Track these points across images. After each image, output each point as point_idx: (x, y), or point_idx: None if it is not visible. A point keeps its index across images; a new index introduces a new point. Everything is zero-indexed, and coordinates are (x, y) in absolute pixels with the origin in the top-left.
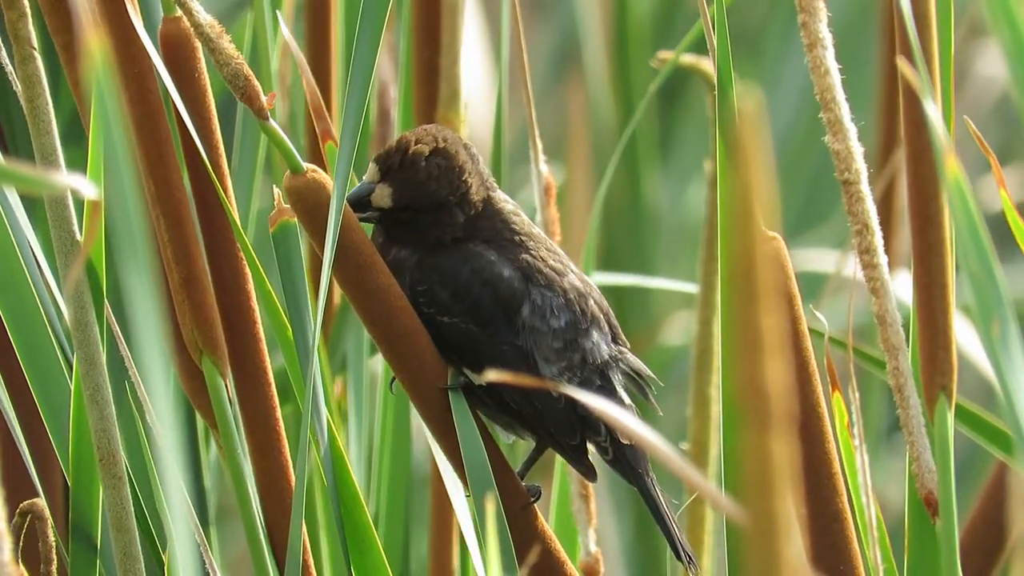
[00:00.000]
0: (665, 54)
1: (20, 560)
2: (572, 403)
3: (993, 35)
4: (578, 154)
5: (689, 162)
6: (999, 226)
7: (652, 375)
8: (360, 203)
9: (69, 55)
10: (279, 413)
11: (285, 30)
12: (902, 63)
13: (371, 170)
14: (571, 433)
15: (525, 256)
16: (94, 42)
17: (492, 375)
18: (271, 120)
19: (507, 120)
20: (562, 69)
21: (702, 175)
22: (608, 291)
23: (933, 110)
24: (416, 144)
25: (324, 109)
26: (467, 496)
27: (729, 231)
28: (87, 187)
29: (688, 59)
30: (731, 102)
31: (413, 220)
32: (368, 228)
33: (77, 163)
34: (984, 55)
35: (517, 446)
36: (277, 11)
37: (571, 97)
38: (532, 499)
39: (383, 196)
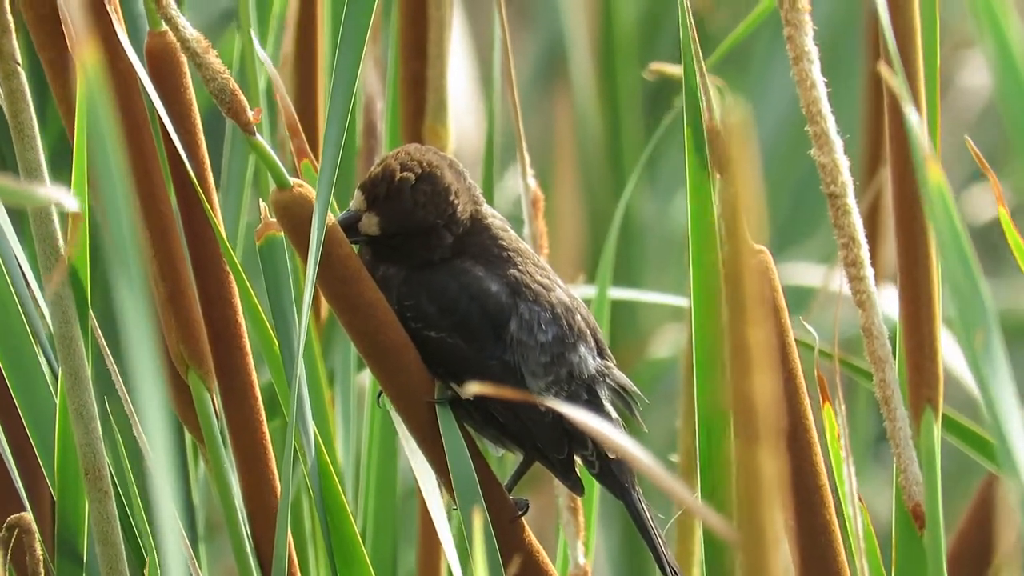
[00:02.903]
0: (657, 66)
1: (8, 573)
2: (559, 417)
3: (979, 45)
4: (564, 164)
5: (676, 173)
6: (985, 238)
7: (637, 391)
8: (348, 231)
9: (55, 71)
10: (266, 427)
11: (261, 51)
12: (883, 69)
13: (357, 198)
14: (558, 447)
15: (513, 271)
16: (88, 55)
17: (475, 387)
18: (257, 135)
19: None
20: (548, 79)
21: None
22: (594, 303)
23: (914, 116)
24: (401, 172)
25: (299, 127)
26: (453, 510)
27: (701, 242)
28: (70, 200)
29: (677, 70)
30: (699, 112)
31: (402, 244)
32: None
33: (66, 179)
34: (968, 66)
35: (505, 460)
36: (251, 31)
37: (557, 107)
38: (520, 512)
39: (371, 225)
